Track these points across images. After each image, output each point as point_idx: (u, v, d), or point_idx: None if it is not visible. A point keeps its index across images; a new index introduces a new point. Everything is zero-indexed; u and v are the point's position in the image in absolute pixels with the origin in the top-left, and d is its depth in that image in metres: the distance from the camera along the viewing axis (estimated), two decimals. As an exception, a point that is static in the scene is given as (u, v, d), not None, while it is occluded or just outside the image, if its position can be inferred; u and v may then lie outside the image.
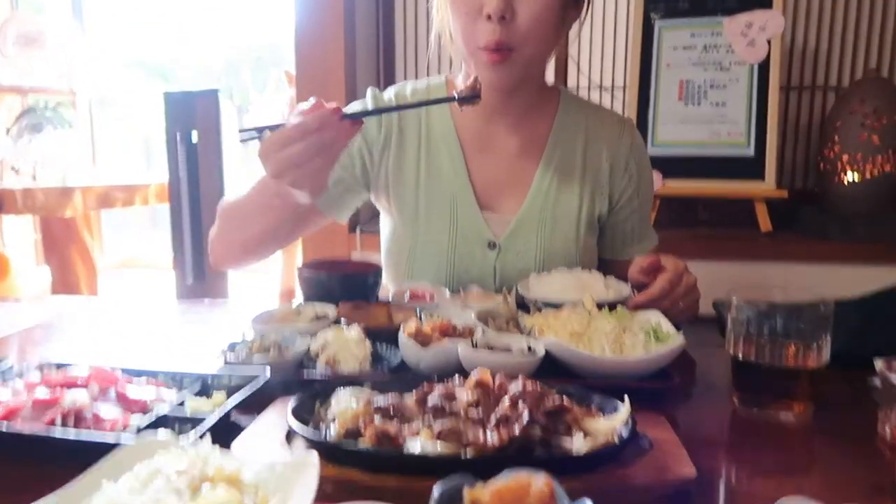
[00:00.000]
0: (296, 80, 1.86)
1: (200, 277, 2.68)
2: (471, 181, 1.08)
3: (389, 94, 1.13)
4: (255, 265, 1.10)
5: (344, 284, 0.94)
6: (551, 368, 0.73)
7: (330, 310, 0.90)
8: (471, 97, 0.86)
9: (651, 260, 0.90)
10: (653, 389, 0.71)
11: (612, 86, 2.16)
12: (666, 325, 0.78)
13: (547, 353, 0.73)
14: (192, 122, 2.51)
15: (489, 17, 0.93)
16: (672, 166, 1.89)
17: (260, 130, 0.79)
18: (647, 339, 0.73)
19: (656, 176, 1.88)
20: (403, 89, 1.13)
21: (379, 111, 1.02)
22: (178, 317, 1.19)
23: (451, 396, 0.59)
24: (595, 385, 0.66)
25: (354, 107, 1.12)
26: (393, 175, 1.10)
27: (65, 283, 3.17)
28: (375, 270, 0.98)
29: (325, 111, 0.76)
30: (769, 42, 1.83)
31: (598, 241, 1.16)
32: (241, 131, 0.80)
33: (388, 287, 1.17)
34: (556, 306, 0.87)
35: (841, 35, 2.04)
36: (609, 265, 1.18)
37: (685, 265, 0.92)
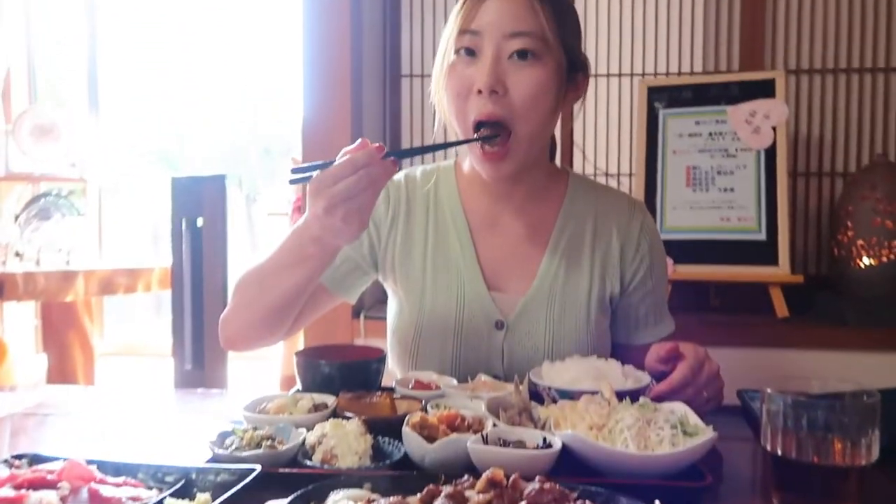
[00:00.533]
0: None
1: (199, 364, 2.61)
2: (478, 261, 1.06)
3: (399, 178, 1.12)
4: (261, 348, 1.05)
5: (344, 372, 0.88)
6: (569, 465, 0.67)
7: (329, 400, 0.84)
8: (491, 136, 0.94)
9: (669, 347, 0.85)
10: (683, 489, 0.64)
11: (619, 173, 2.16)
12: (693, 418, 0.72)
13: (564, 447, 0.67)
14: (199, 207, 2.52)
15: (480, 92, 0.93)
16: (683, 251, 1.86)
17: (310, 170, 0.83)
18: (674, 432, 0.67)
19: (667, 261, 1.84)
20: (413, 172, 1.13)
21: (413, 152, 1.06)
22: (171, 406, 1.13)
23: (460, 499, 0.52)
24: (620, 484, 0.59)
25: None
26: (400, 253, 1.08)
27: (62, 370, 3.10)
28: (378, 357, 0.92)
29: (371, 148, 0.82)
30: (774, 129, 1.84)
31: (611, 326, 1.11)
32: (292, 171, 0.85)
33: (393, 372, 1.12)
34: (572, 396, 0.81)
35: (844, 122, 2.05)
36: (623, 351, 1.13)
37: (706, 351, 0.87)
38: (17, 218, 3.49)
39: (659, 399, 0.80)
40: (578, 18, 1.04)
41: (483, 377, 0.94)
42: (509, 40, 0.93)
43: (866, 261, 1.76)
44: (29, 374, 3.37)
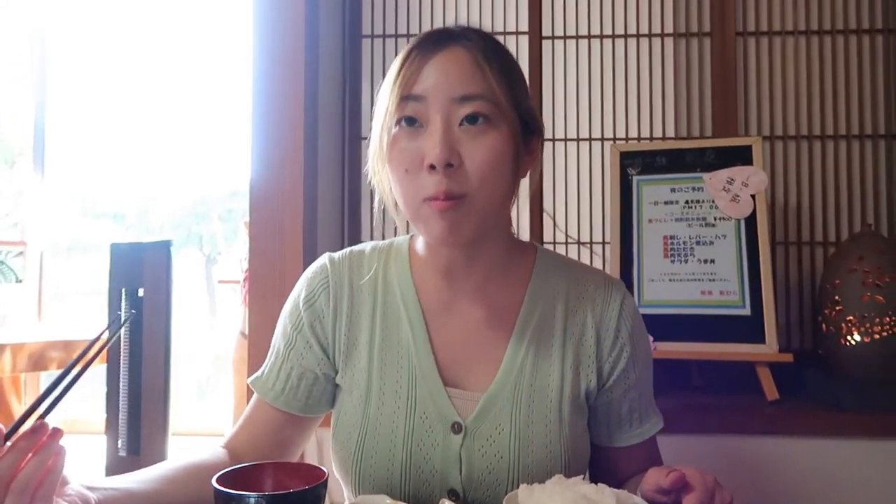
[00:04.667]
0: (249, 233, 1.70)
1: (134, 449, 2.36)
2: (433, 351, 0.91)
3: (343, 255, 0.97)
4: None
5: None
6: None
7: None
8: None
9: (674, 477, 0.70)
10: None
11: (591, 240, 2.04)
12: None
13: None
14: (140, 276, 2.31)
15: (432, 168, 0.80)
16: (662, 328, 1.72)
17: None
18: None
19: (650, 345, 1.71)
20: (361, 249, 0.99)
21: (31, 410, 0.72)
22: None
23: None
24: None
25: (311, 271, 0.98)
26: (344, 346, 0.93)
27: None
28: (318, 483, 0.75)
29: None
30: (753, 197, 1.75)
31: (589, 426, 0.96)
32: None
33: (337, 486, 0.95)
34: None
35: (822, 189, 1.98)
36: (605, 455, 0.98)
37: (715, 480, 0.72)
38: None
39: None
40: (523, 74, 0.92)
41: (447, 503, 0.77)
42: (458, 105, 0.81)
43: (857, 337, 1.64)
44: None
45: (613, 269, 1.81)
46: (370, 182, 0.92)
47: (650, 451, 0.99)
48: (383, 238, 1.07)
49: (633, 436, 0.97)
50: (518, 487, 0.76)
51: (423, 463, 0.87)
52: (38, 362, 2.73)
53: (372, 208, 2.11)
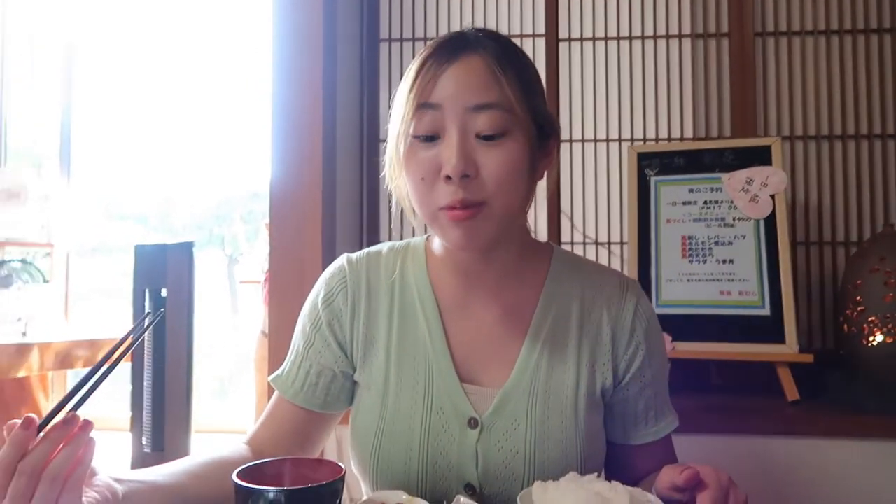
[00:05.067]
0: (270, 234, 1.72)
1: (158, 446, 2.40)
2: (449, 348, 0.92)
3: (361, 256, 0.99)
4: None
5: (292, 500, 0.72)
6: None
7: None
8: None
9: (688, 475, 0.70)
10: None
11: (609, 241, 2.04)
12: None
13: None
14: (163, 277, 2.36)
15: (448, 178, 0.82)
16: (680, 328, 1.72)
17: None
18: None
19: (664, 338, 1.71)
20: (378, 250, 1.01)
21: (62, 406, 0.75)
22: None
23: None
24: None
25: (329, 272, 1.00)
26: (362, 344, 0.95)
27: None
28: (336, 479, 0.76)
29: (15, 433, 0.66)
30: (773, 198, 1.74)
31: (605, 424, 0.96)
32: None
33: (356, 480, 0.97)
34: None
35: (843, 189, 1.96)
36: (620, 451, 0.98)
37: (730, 479, 0.72)
38: (-24, 285, 3.30)
39: None
40: (539, 77, 0.93)
41: (462, 500, 0.78)
42: (473, 115, 0.83)
43: (879, 338, 1.62)
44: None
45: (631, 270, 1.81)
46: (387, 185, 0.94)
47: (665, 450, 1.00)
48: (401, 238, 1.09)
49: (648, 433, 0.97)
50: (534, 482, 0.77)
51: (439, 457, 0.89)
52: (64, 361, 2.79)
53: (390, 209, 2.13)
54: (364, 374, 0.95)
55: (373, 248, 1.01)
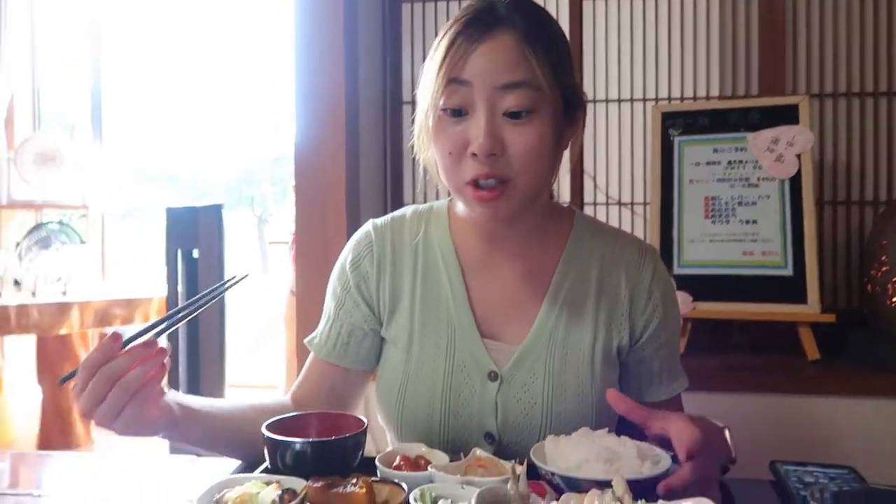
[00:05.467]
0: (295, 196, 1.76)
1: (195, 402, 2.50)
2: (471, 306, 0.96)
3: (385, 221, 1.04)
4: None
5: (318, 451, 0.77)
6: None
7: (297, 484, 0.73)
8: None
9: (688, 449, 0.73)
10: None
11: (632, 202, 2.04)
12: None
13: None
14: (195, 238, 2.43)
15: (475, 156, 0.85)
16: (702, 288, 1.73)
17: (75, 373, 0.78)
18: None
19: (685, 298, 1.72)
20: (402, 214, 1.05)
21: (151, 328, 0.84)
22: (154, 471, 1.02)
23: None
24: None
25: (356, 237, 1.04)
26: (388, 303, 1.00)
27: (56, 403, 3.01)
28: (358, 431, 0.81)
29: (104, 342, 0.77)
30: (798, 157, 1.72)
31: (620, 382, 1.00)
32: (63, 378, 0.81)
33: (381, 430, 1.03)
34: (578, 484, 0.70)
35: (873, 148, 1.93)
36: None
37: (713, 429, 0.79)
38: (17, 246, 3.42)
39: (671, 495, 0.68)
40: (569, 49, 0.94)
41: (479, 452, 0.82)
42: (502, 93, 0.85)
43: (903, 299, 1.62)
44: (26, 407, 3.28)
45: (653, 230, 1.81)
46: (416, 154, 0.97)
47: (676, 409, 1.03)
48: (425, 200, 1.12)
49: (661, 391, 1.01)
50: (550, 433, 0.81)
51: (461, 409, 0.94)
52: (103, 319, 2.90)
53: (414, 172, 2.15)
54: (390, 330, 1.00)
55: (397, 213, 1.05)
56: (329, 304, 1.04)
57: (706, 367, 1.69)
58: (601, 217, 2.02)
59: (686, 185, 1.81)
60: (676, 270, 1.77)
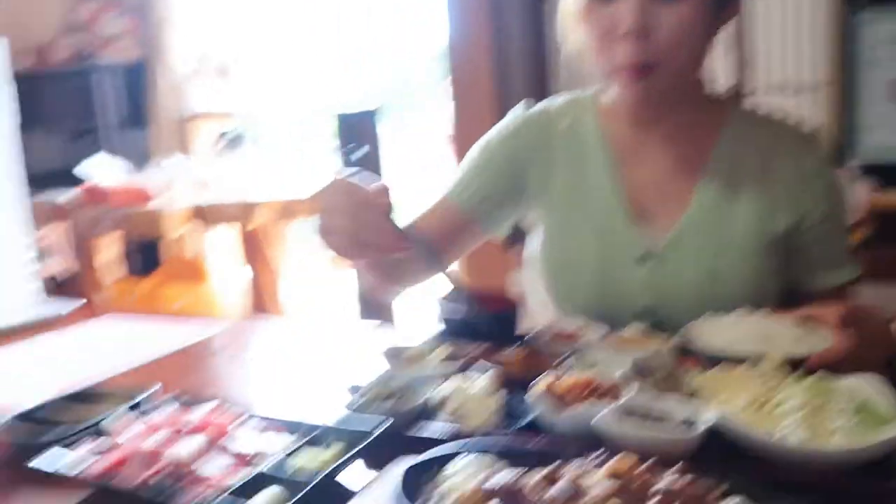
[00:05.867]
0: (453, 93, 1.82)
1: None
2: (622, 191, 0.97)
3: (536, 111, 1.06)
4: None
5: (483, 322, 0.86)
6: (723, 447, 0.58)
7: (465, 349, 0.82)
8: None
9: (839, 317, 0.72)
10: (864, 494, 0.54)
11: (800, 86, 1.85)
12: (883, 401, 0.60)
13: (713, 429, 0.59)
14: (365, 138, 2.61)
15: (625, 36, 0.83)
16: (884, 177, 1.59)
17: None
18: (856, 419, 0.56)
19: (864, 188, 1.59)
20: (550, 104, 1.06)
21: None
22: (340, 341, 1.16)
23: (579, 490, 0.47)
24: (780, 481, 0.51)
25: (508, 117, 1.07)
26: (538, 188, 1.03)
27: (262, 282, 3.37)
28: (515, 308, 0.88)
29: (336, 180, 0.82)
30: None
31: (783, 269, 0.96)
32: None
33: (533, 311, 1.08)
34: (731, 361, 0.72)
35: None
36: (796, 299, 0.98)
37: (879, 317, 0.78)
38: (207, 153, 3.84)
39: (817, 369, 0.68)
40: None
41: (634, 326, 0.87)
42: None
43: None
44: (232, 287, 3.71)
45: (827, 116, 1.66)
46: (561, 39, 0.96)
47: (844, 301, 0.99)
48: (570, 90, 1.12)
49: (828, 278, 0.97)
50: (705, 314, 0.82)
51: (612, 291, 0.96)
52: (286, 215, 3.21)
53: (558, 62, 2.09)
54: (541, 214, 1.03)
55: (544, 104, 1.06)
56: (476, 159, 1.05)
57: (889, 263, 1.58)
58: (763, 106, 1.87)
59: (864, 66, 1.63)
60: (854, 160, 1.63)
